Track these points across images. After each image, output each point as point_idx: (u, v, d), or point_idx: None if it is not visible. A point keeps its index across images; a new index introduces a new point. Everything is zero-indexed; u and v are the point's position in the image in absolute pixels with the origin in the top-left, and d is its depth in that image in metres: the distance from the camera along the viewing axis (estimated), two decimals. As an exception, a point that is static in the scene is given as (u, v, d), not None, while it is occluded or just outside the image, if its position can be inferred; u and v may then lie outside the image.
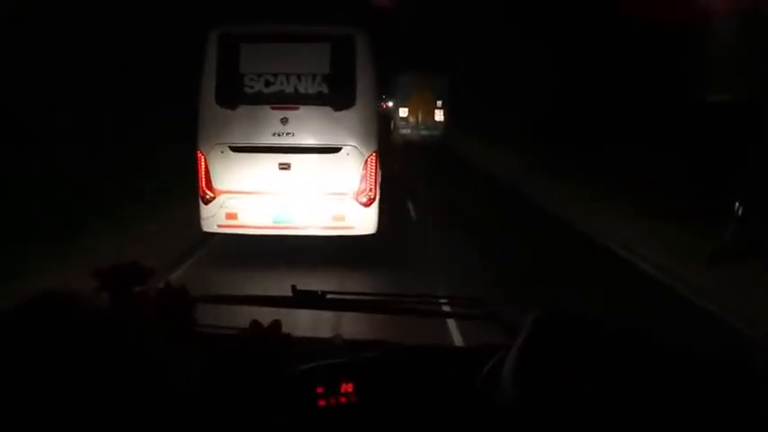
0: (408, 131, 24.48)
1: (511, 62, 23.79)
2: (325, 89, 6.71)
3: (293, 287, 1.67)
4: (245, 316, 1.28)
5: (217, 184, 6.82)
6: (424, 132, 24.37)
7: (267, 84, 6.68)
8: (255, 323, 1.14)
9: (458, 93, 25.41)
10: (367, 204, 6.95)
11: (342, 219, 6.93)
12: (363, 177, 6.87)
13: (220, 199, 6.84)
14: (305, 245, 7.03)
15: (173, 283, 1.13)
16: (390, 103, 26.96)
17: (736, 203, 1.08)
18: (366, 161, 6.85)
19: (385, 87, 27.43)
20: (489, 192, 14.33)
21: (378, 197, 7.16)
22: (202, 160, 6.81)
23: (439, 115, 24.50)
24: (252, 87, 6.68)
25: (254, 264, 6.79)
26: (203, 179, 6.83)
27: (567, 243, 9.03)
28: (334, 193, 6.87)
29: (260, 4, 14.16)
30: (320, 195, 6.86)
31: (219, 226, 6.96)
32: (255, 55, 6.71)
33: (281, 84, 6.68)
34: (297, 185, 6.81)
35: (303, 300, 1.67)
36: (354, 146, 6.79)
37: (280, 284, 1.78)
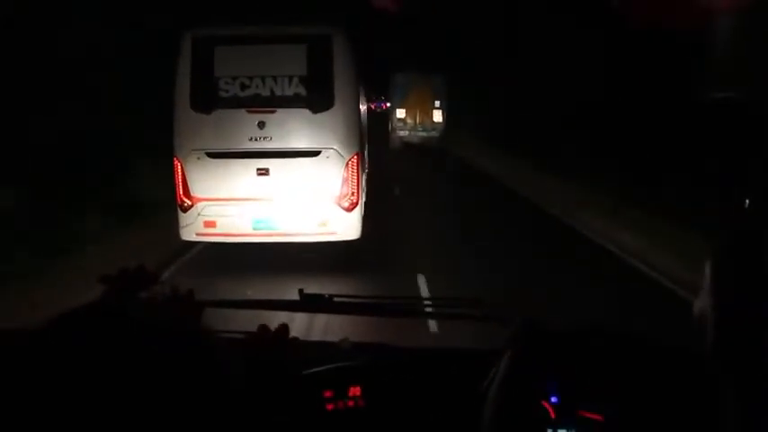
0: (406, 133, 24.12)
1: (513, 63, 23.59)
2: (302, 91, 6.61)
3: (300, 291, 1.67)
4: (252, 320, 1.28)
5: (194, 192, 6.73)
6: (422, 134, 24.00)
7: (243, 87, 6.59)
8: (263, 327, 1.15)
9: (459, 93, 25.17)
10: (349, 209, 6.84)
11: (324, 224, 6.82)
12: (345, 181, 6.76)
13: (198, 206, 6.75)
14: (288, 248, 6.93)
15: (179, 288, 1.13)
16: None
17: (746, 200, 1.08)
18: (347, 164, 6.74)
19: (385, 88, 27.40)
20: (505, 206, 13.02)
21: (361, 201, 7.04)
22: (179, 167, 6.72)
23: (437, 116, 24.02)
24: (227, 91, 6.58)
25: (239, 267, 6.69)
26: (180, 186, 6.74)
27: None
28: (315, 198, 6.76)
29: (256, 5, 14.13)
30: (301, 201, 6.77)
31: (198, 234, 6.87)
32: (230, 57, 6.62)
33: (257, 86, 6.58)
34: (276, 191, 6.72)
35: (310, 303, 1.68)
36: (334, 148, 6.68)
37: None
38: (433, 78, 24.02)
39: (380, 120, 26.70)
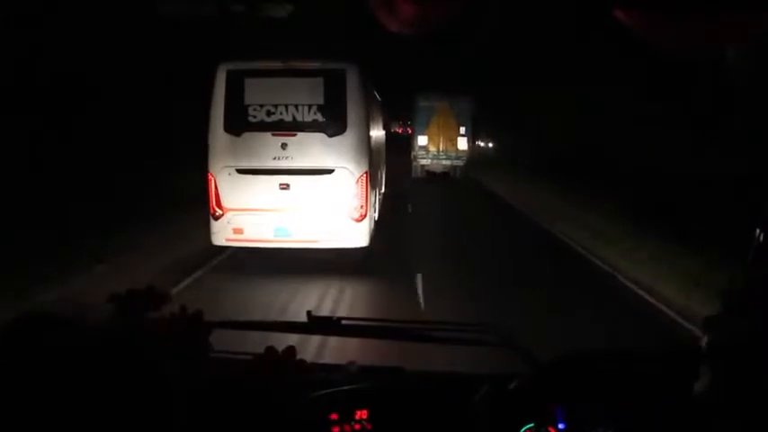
0: (428, 161, 24.07)
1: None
2: (319, 118, 8.02)
3: (308, 313, 1.72)
4: (260, 341, 1.33)
5: (225, 203, 8.11)
6: (445, 162, 23.92)
7: (269, 113, 8.03)
8: (270, 349, 1.18)
9: (487, 118, 24.87)
10: (359, 220, 8.14)
11: (336, 233, 8.17)
12: (355, 195, 8.09)
13: (228, 215, 8.13)
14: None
15: (188, 309, 1.17)
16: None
17: (757, 230, 1.14)
18: (357, 181, 8.07)
19: (409, 113, 27.41)
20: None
21: (370, 213, 8.32)
22: (212, 181, 8.12)
23: (462, 143, 23.80)
24: (255, 116, 8.04)
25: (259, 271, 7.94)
26: (213, 198, 8.16)
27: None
28: (329, 210, 8.11)
29: (287, 36, 15.49)
30: (317, 212, 8.16)
31: (227, 240, 8.26)
32: (258, 88, 8.10)
33: (281, 113, 8.02)
34: (295, 203, 8.12)
35: (318, 325, 1.72)
36: (346, 167, 8.02)
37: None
38: (457, 102, 23.51)
39: (407, 144, 25.91)
